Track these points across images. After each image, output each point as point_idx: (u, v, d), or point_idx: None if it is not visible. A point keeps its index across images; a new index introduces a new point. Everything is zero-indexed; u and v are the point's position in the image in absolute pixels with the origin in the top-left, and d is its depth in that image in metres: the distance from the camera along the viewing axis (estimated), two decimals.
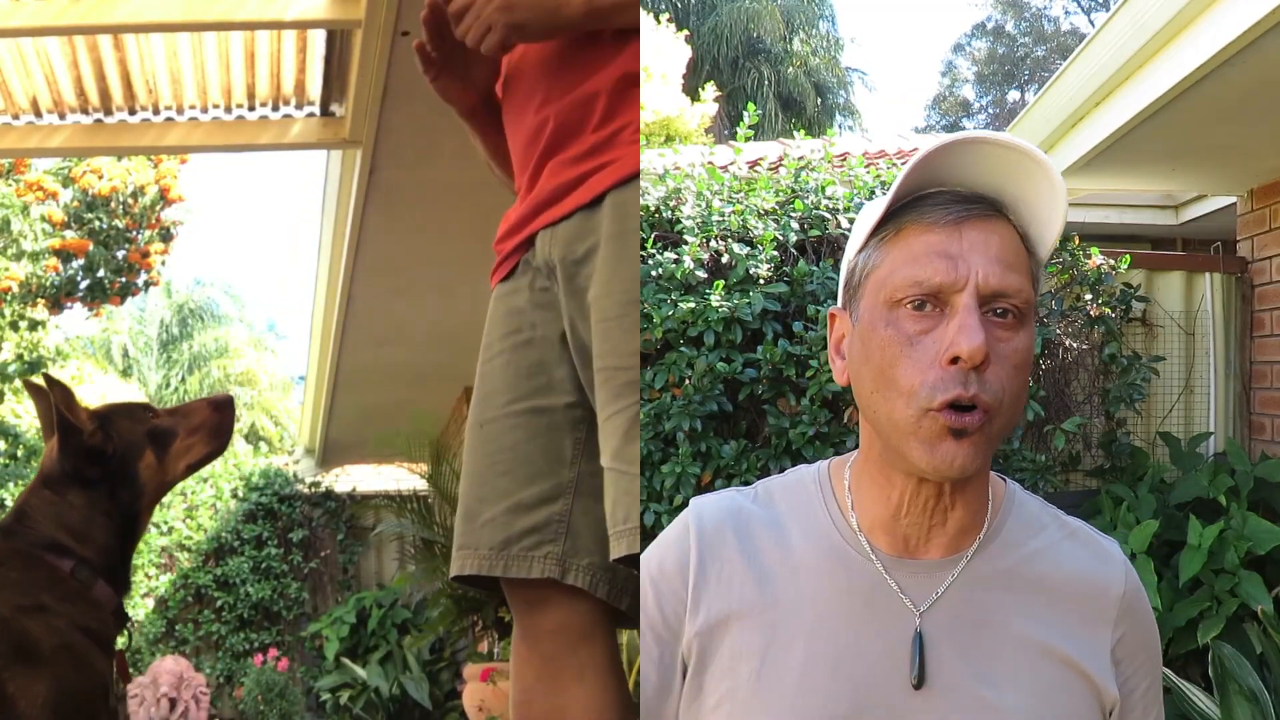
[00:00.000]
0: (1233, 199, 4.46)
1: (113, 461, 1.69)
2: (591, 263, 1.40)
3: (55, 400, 1.65)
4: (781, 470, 3.71)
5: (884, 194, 1.07)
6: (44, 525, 1.61)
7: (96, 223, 7.30)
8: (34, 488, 1.67)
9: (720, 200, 3.57)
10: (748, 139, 4.02)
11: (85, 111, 3.82)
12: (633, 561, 1.32)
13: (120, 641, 1.66)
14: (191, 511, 9.27)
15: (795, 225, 3.53)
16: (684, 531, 1.11)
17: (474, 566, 1.46)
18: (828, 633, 1.04)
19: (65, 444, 1.66)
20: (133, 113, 3.83)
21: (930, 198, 1.02)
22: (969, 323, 0.96)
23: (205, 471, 9.79)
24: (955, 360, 0.96)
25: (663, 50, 9.41)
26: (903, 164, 4.70)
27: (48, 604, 1.52)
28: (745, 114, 3.91)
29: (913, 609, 1.04)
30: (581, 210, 1.42)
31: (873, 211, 1.06)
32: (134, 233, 7.48)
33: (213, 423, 1.78)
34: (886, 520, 1.06)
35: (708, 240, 3.42)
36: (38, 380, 1.78)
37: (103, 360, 18.32)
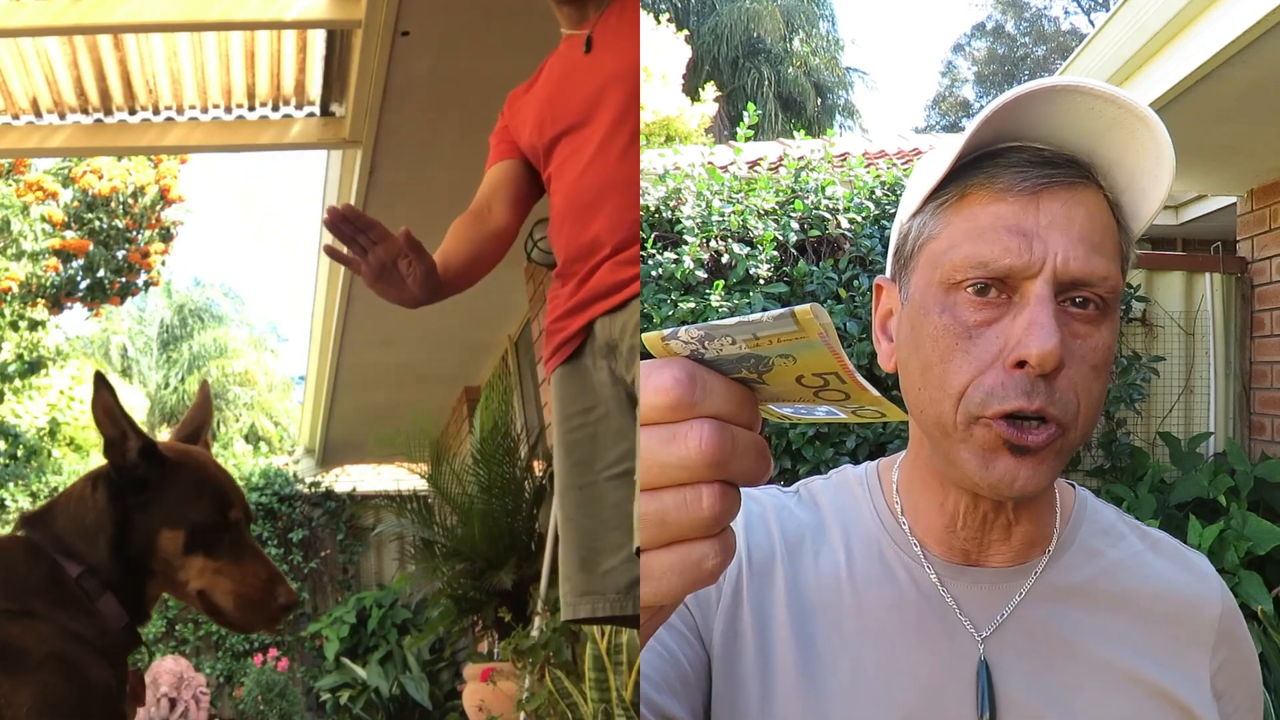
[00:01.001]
0: (1233, 199, 4.46)
1: (142, 492, 1.54)
2: (638, 334, 1.68)
3: (101, 403, 1.52)
4: (782, 471, 3.68)
5: (941, 152, 0.88)
6: (60, 521, 1.54)
7: (96, 223, 7.30)
8: (88, 476, 1.56)
9: (720, 200, 3.57)
10: (748, 139, 4.02)
11: (85, 111, 3.82)
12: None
13: (133, 660, 1.60)
14: None
15: (795, 225, 3.53)
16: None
17: (606, 609, 1.72)
18: (875, 652, 0.90)
19: (112, 448, 1.53)
20: (133, 113, 3.83)
21: (1003, 156, 0.84)
22: (1040, 319, 0.79)
23: None
24: (1021, 364, 0.80)
25: (663, 50, 9.42)
26: (904, 164, 4.70)
27: (36, 609, 1.46)
28: (745, 114, 3.91)
29: (973, 632, 0.90)
30: (633, 299, 1.72)
31: (933, 167, 0.88)
32: (134, 233, 7.48)
33: (255, 600, 1.55)
34: (940, 530, 0.93)
35: (708, 240, 3.42)
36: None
37: (101, 360, 18.32)
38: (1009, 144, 0.85)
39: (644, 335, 0.55)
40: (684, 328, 0.54)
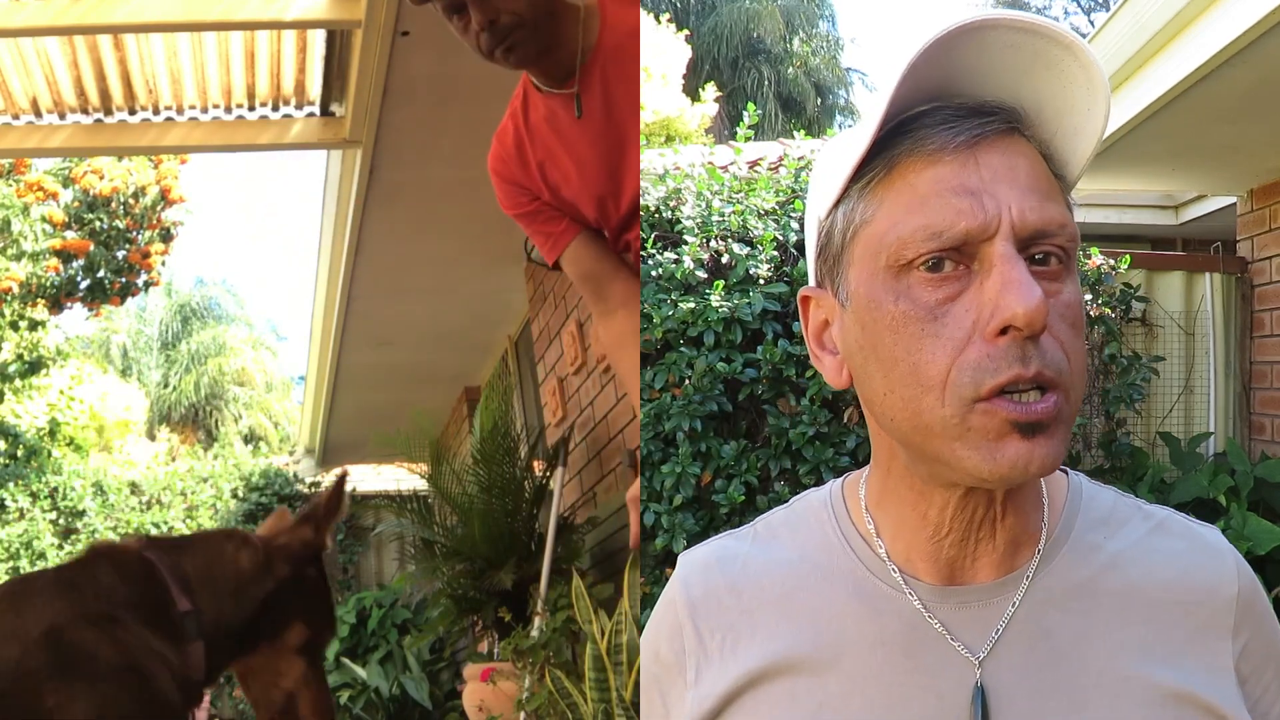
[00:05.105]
0: (1233, 199, 4.46)
1: (292, 598, 1.60)
2: None
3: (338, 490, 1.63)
4: (782, 471, 3.66)
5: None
6: (191, 558, 1.52)
7: (97, 223, 7.31)
8: (233, 531, 1.63)
9: (720, 200, 3.57)
10: (748, 139, 4.02)
11: (85, 111, 3.82)
12: None
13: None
14: (191, 511, 9.26)
15: (795, 225, 3.53)
16: (670, 608, 0.91)
17: None
18: (866, 698, 0.82)
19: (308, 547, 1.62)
20: (133, 113, 3.83)
21: (925, 117, 0.77)
22: (1015, 276, 0.72)
23: (205, 471, 9.78)
24: (1005, 330, 0.72)
25: (663, 50, 9.41)
26: None
27: (120, 617, 1.39)
28: (745, 114, 3.91)
29: (968, 656, 0.82)
30: None
31: (848, 148, 0.79)
32: (134, 233, 7.49)
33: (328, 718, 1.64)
34: (923, 544, 0.84)
35: (708, 240, 3.42)
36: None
37: (100, 360, 18.33)
38: (927, 107, 0.78)
39: None
40: None
